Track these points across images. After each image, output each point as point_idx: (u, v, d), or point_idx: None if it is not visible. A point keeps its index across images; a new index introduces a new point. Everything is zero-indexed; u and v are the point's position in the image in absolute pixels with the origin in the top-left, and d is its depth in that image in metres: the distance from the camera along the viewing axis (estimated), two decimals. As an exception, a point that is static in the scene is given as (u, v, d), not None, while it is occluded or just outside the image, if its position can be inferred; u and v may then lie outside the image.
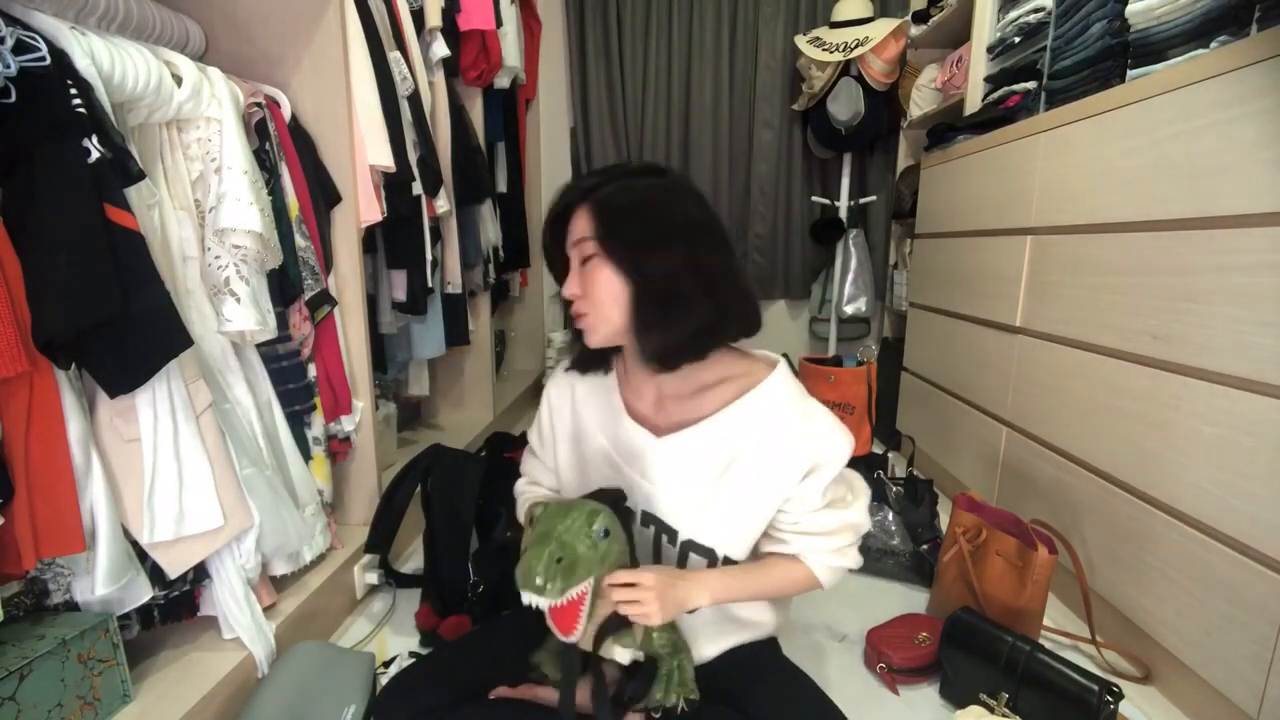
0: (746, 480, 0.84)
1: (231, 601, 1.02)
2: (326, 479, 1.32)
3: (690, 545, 0.88)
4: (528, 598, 0.72)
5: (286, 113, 1.25)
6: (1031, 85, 1.63)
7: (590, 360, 0.93)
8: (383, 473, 1.52)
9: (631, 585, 0.76)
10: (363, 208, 1.38)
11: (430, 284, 1.72)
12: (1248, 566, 0.95)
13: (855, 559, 0.90)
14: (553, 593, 0.71)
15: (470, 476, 1.34)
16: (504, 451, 1.59)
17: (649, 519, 0.90)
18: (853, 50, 2.46)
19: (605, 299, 0.81)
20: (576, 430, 0.97)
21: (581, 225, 0.82)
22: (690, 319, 0.79)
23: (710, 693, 0.90)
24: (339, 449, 1.40)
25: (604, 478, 0.92)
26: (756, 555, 0.91)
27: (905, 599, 1.43)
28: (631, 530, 0.83)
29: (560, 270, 0.88)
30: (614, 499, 0.81)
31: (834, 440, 0.84)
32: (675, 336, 0.80)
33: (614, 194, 0.81)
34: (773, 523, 0.88)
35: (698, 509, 0.87)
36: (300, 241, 1.21)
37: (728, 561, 0.87)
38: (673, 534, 0.88)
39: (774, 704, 0.87)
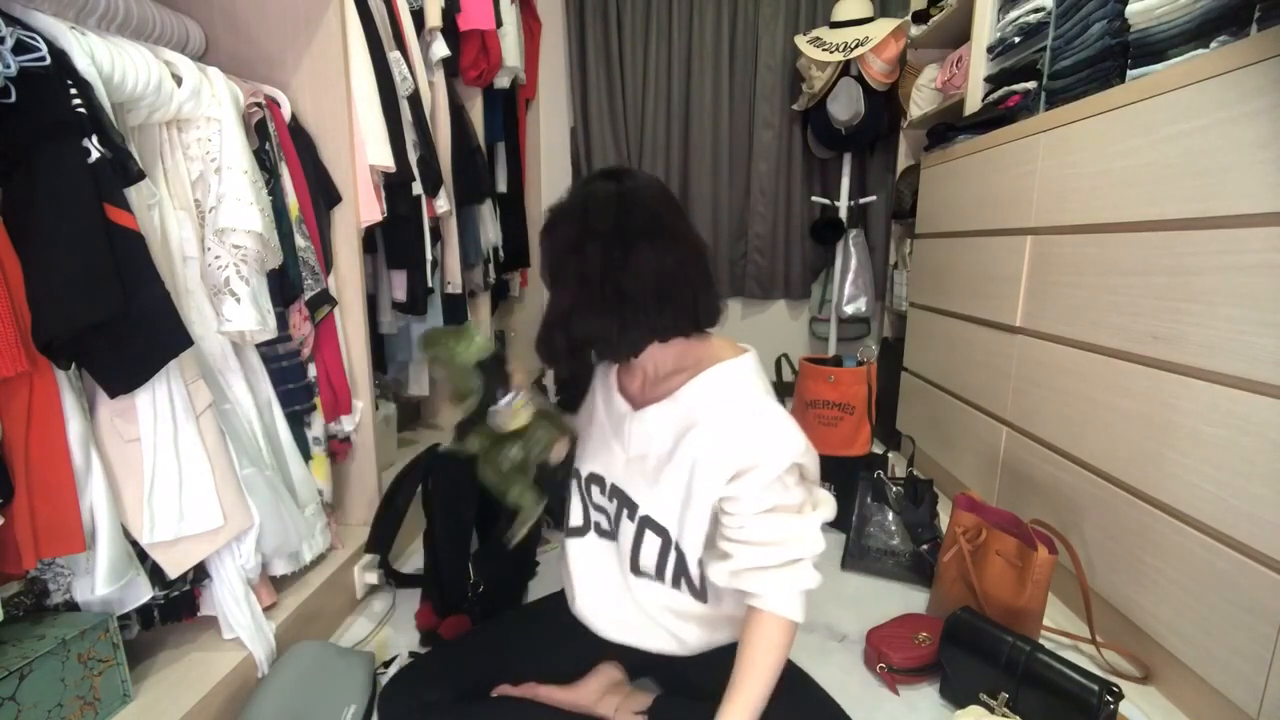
0: (691, 458, 0.85)
1: (231, 601, 1.02)
2: (326, 479, 1.32)
3: (647, 521, 0.89)
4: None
5: (286, 113, 1.25)
6: (1031, 85, 1.63)
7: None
8: (383, 473, 1.52)
9: None
10: (363, 208, 1.38)
11: (430, 284, 1.72)
12: (1248, 566, 0.95)
13: (812, 576, 0.84)
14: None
15: (470, 477, 1.34)
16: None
17: (615, 492, 0.94)
18: (853, 50, 2.46)
19: None
20: (590, 405, 1.05)
21: None
22: (584, 324, 0.83)
23: (709, 691, 0.90)
24: (339, 449, 1.40)
25: (598, 445, 0.99)
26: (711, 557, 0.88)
27: (905, 599, 1.43)
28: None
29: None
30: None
31: (769, 444, 0.81)
32: (565, 337, 0.85)
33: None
34: (719, 530, 0.85)
35: (654, 484, 0.89)
36: (300, 241, 1.21)
37: (679, 551, 0.87)
38: (633, 508, 0.91)
39: (775, 701, 0.87)
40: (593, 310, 0.82)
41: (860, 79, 2.51)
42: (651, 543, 0.89)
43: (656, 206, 0.84)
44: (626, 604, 0.96)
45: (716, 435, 0.83)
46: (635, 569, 0.93)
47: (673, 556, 0.89)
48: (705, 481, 0.84)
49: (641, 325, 0.83)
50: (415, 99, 1.61)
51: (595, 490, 0.98)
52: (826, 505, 0.87)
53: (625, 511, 0.92)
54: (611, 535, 0.97)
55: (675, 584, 0.91)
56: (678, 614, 0.93)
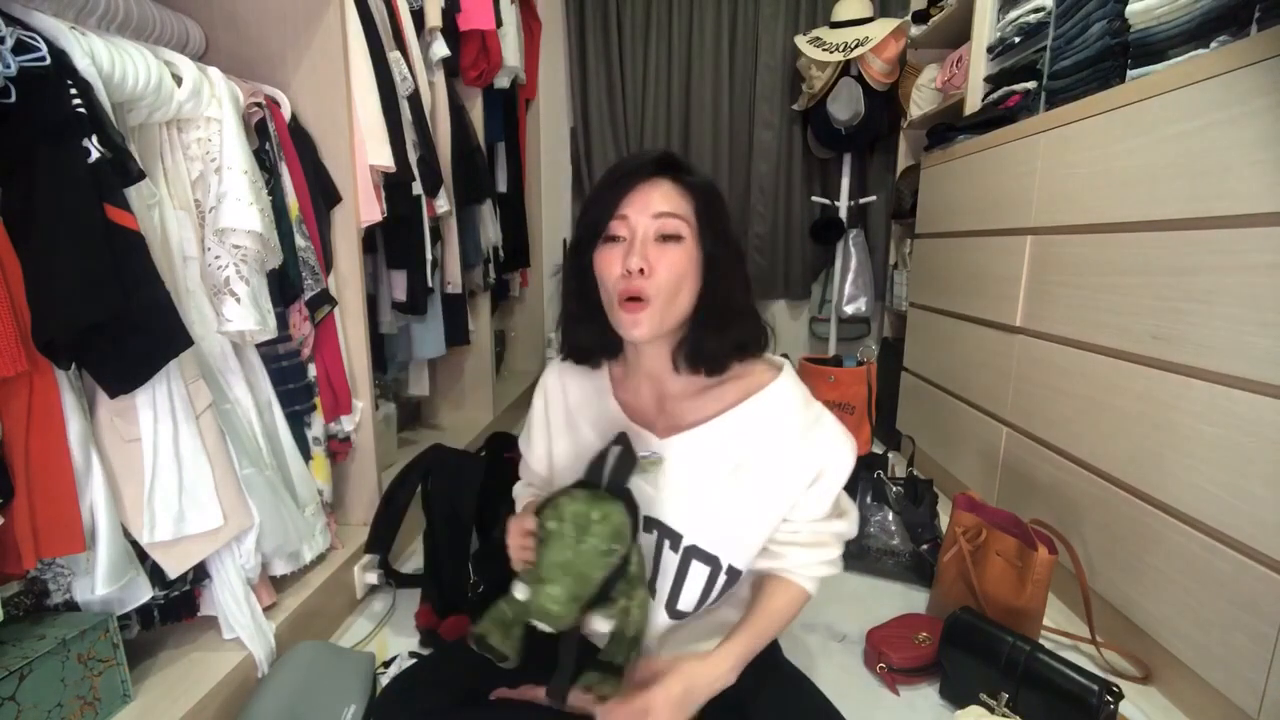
0: (755, 485, 0.81)
1: (231, 601, 1.02)
2: (326, 479, 1.32)
3: (693, 552, 0.83)
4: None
5: (286, 113, 1.25)
6: (1031, 85, 1.63)
7: (587, 352, 0.88)
8: (383, 473, 1.52)
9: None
10: (363, 208, 1.38)
11: (430, 284, 1.72)
12: (1248, 566, 0.95)
13: (839, 565, 0.89)
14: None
15: (470, 477, 1.34)
16: (505, 451, 1.59)
17: (651, 523, 0.85)
18: (853, 50, 2.46)
19: (683, 285, 0.76)
20: (570, 425, 0.92)
21: (669, 200, 0.76)
22: (745, 321, 0.81)
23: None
24: (339, 449, 1.40)
25: None
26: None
27: (905, 599, 1.43)
28: (637, 513, 0.77)
29: (593, 234, 0.79)
30: (621, 459, 0.75)
31: (842, 447, 0.82)
32: (728, 340, 0.80)
33: (703, 183, 0.79)
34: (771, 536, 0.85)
35: (703, 514, 0.83)
36: (300, 241, 1.21)
37: (731, 572, 0.83)
38: (676, 539, 0.84)
39: (778, 710, 0.86)
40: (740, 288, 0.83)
41: (860, 79, 2.52)
42: (697, 574, 0.83)
43: None
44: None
45: (788, 451, 0.81)
46: (672, 611, 0.85)
47: (721, 580, 0.83)
48: (783, 491, 0.81)
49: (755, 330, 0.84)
50: (415, 99, 1.61)
51: None
52: (850, 504, 0.91)
53: (667, 543, 0.84)
54: None
55: (714, 603, 0.87)
56: (696, 634, 0.92)
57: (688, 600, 0.85)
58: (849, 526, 0.89)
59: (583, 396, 0.91)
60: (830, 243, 2.81)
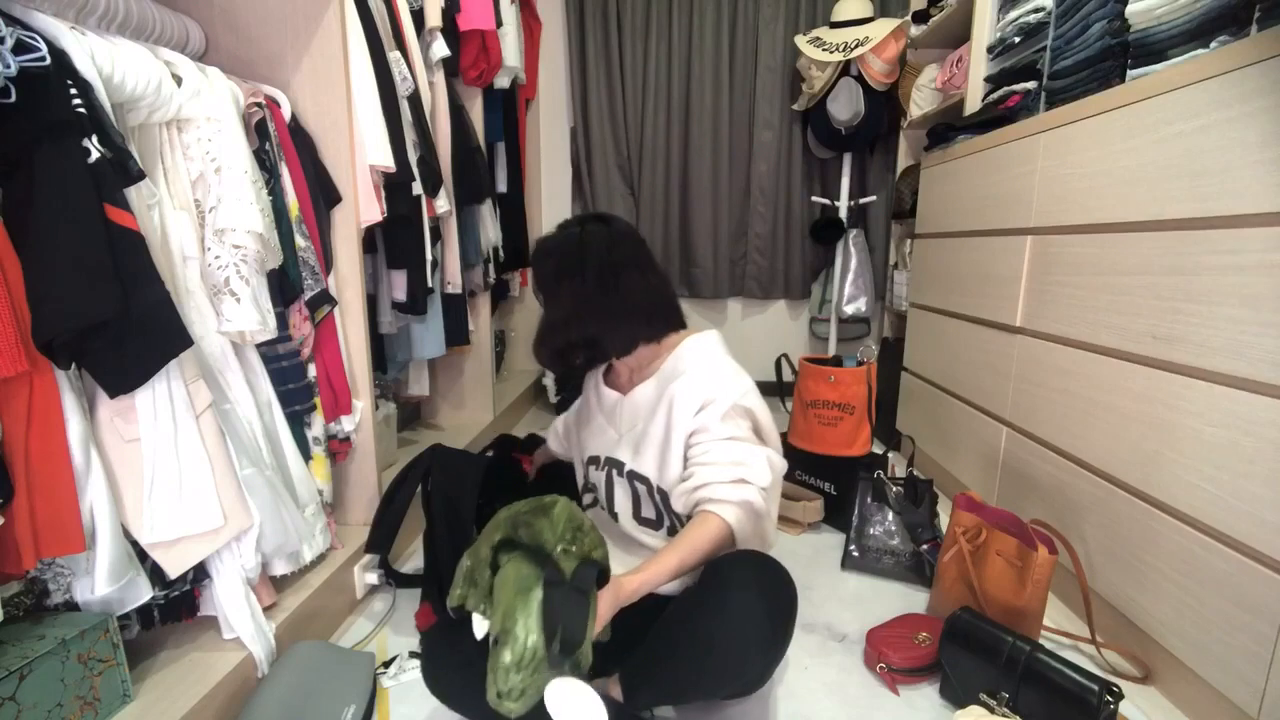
0: (669, 417, 1.04)
1: (231, 601, 1.02)
2: (326, 479, 1.32)
3: (633, 475, 1.09)
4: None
5: (286, 113, 1.25)
6: (1031, 85, 1.63)
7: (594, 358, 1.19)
8: (383, 473, 1.52)
9: None
10: (363, 208, 1.38)
11: (430, 284, 1.72)
12: (1248, 566, 0.95)
13: (757, 497, 0.97)
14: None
15: (471, 476, 1.34)
16: (511, 452, 1.59)
17: (607, 462, 1.13)
18: (853, 50, 2.46)
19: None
20: (584, 405, 1.26)
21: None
22: (557, 338, 1.07)
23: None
24: (339, 449, 1.40)
25: (596, 433, 1.17)
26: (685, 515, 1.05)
27: (905, 599, 1.44)
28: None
29: None
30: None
31: (724, 382, 1.03)
32: (545, 352, 1.09)
33: (551, 263, 1.08)
34: (687, 464, 1.02)
35: (640, 444, 1.08)
36: (300, 241, 1.21)
37: (660, 492, 1.06)
38: (620, 466, 1.11)
39: (672, 609, 0.94)
40: (593, 319, 1.05)
41: (860, 79, 2.52)
42: (641, 491, 1.08)
43: (635, 242, 1.09)
44: (618, 555, 1.08)
45: (687, 379, 1.04)
46: (638, 518, 1.11)
47: (657, 498, 1.07)
48: (680, 416, 1.03)
49: (634, 331, 1.08)
50: (415, 99, 1.61)
51: (592, 469, 1.17)
52: (778, 457, 1.03)
53: (614, 471, 1.12)
54: (600, 503, 1.17)
55: (668, 523, 1.08)
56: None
57: (647, 511, 1.10)
58: (755, 457, 0.98)
59: (595, 385, 1.22)
60: (830, 243, 2.81)
